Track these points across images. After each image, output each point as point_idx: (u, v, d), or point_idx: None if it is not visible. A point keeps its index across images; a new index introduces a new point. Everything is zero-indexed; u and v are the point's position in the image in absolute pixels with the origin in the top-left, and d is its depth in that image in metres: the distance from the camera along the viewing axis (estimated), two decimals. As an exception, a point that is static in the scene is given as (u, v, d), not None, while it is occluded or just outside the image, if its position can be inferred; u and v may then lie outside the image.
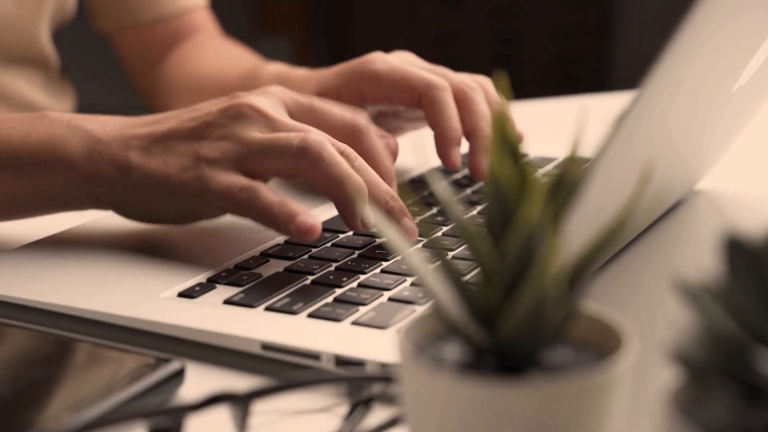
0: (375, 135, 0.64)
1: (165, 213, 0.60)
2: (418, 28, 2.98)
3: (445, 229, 0.66)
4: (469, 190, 0.73)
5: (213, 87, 0.91)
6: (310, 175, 0.58)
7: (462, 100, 0.70)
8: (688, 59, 0.47)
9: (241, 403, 0.40)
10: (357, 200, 0.58)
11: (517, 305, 0.33)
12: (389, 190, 0.60)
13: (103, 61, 2.27)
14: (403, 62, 0.72)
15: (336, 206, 0.59)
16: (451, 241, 0.63)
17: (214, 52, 0.97)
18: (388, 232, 0.36)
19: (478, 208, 0.69)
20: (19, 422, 0.42)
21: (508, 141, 0.34)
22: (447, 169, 0.71)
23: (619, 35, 3.11)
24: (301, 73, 0.78)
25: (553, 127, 0.96)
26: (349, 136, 0.64)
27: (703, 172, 0.71)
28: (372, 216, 0.58)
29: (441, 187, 0.36)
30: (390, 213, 0.59)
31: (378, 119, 0.76)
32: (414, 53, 3.15)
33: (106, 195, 0.60)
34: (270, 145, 0.58)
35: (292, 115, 0.63)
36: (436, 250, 0.35)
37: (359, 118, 0.64)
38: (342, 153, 0.60)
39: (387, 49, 3.08)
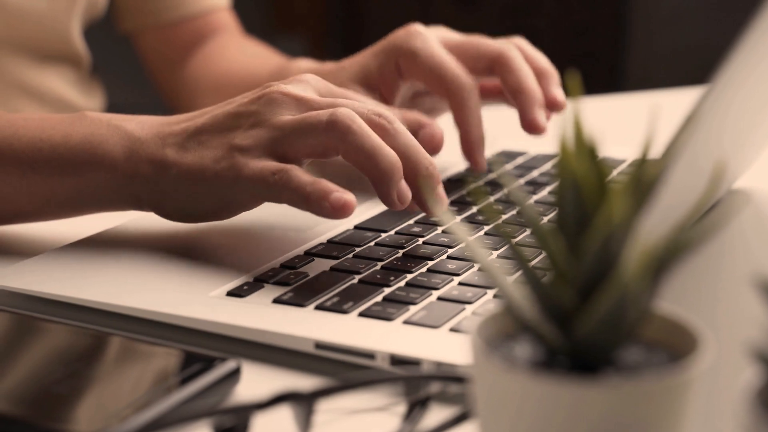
0: (403, 129, 0.61)
1: (203, 208, 0.59)
2: (432, 26, 2.98)
3: (505, 217, 0.66)
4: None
5: (241, 85, 0.91)
6: (341, 149, 0.57)
7: (502, 62, 0.71)
8: (754, 57, 0.47)
9: (306, 402, 0.40)
10: (390, 175, 0.57)
11: (596, 306, 0.33)
12: (428, 157, 0.59)
13: (127, 60, 2.27)
14: (439, 38, 0.72)
15: (370, 181, 0.58)
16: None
17: (239, 51, 0.97)
18: (463, 235, 0.36)
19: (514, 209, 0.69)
20: (82, 421, 0.42)
21: (583, 139, 0.34)
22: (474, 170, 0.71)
23: (633, 34, 3.11)
24: (331, 65, 0.77)
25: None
26: (375, 128, 0.61)
27: (743, 171, 0.70)
28: (408, 191, 0.59)
29: (510, 181, 0.36)
30: (430, 180, 0.58)
31: (414, 99, 0.76)
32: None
33: (146, 194, 0.60)
34: (300, 124, 0.58)
35: (320, 95, 0.62)
36: (514, 251, 0.35)
37: (384, 112, 0.61)
38: (379, 116, 0.59)
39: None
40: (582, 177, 0.33)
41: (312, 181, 0.56)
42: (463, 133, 0.70)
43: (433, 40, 0.71)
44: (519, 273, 0.35)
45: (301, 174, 0.57)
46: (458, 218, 0.67)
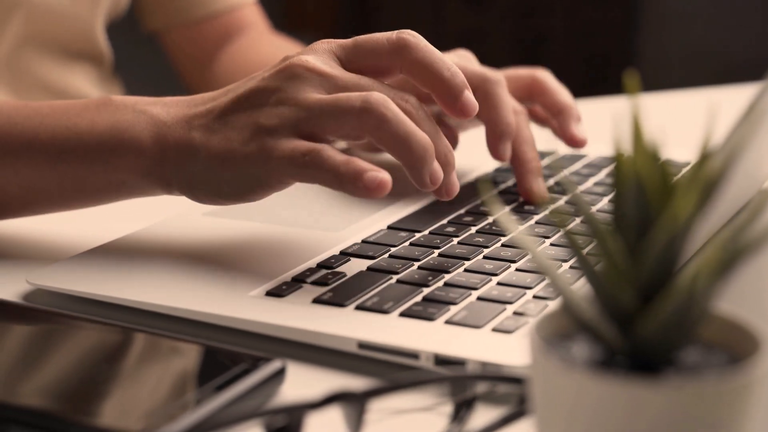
0: (427, 44, 0.61)
1: (233, 190, 0.59)
2: (443, 27, 2.98)
3: (537, 217, 0.66)
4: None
5: None
6: (375, 135, 0.56)
7: (538, 86, 0.74)
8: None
9: (358, 401, 0.40)
10: (423, 158, 0.56)
11: (660, 306, 0.33)
12: (447, 144, 0.59)
13: (146, 58, 2.27)
14: (461, 59, 0.72)
15: (403, 165, 0.57)
16: (546, 230, 0.64)
17: (270, 49, 0.96)
18: (514, 228, 0.36)
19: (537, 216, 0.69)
20: (132, 420, 0.42)
21: (644, 139, 0.34)
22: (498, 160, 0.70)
23: (645, 34, 3.10)
24: None
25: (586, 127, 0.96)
26: (400, 53, 0.60)
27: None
28: (440, 172, 0.58)
29: (568, 181, 0.36)
30: (446, 167, 0.58)
31: (438, 117, 0.76)
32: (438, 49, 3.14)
33: (175, 178, 0.60)
34: (331, 107, 0.57)
35: (343, 62, 0.61)
36: (575, 251, 0.34)
37: (405, 31, 0.61)
38: (406, 101, 0.58)
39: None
40: (645, 176, 0.33)
41: (345, 160, 0.55)
42: (488, 125, 0.68)
43: (453, 58, 0.71)
44: (580, 273, 0.35)
45: (333, 153, 0.56)
46: (508, 214, 0.66)
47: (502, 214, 0.37)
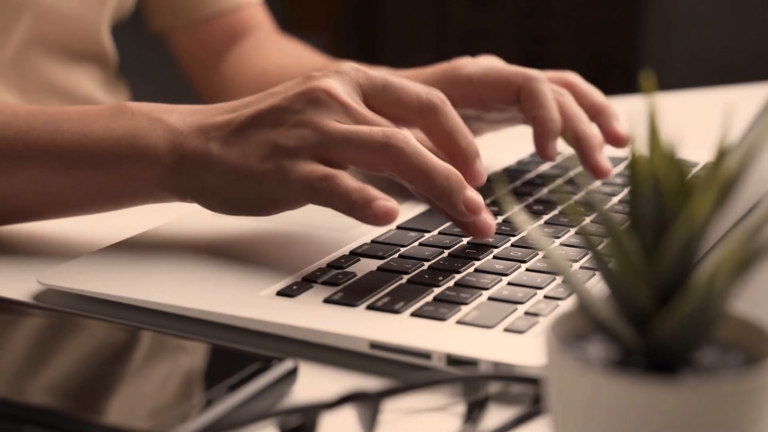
0: (452, 111, 0.62)
1: (247, 204, 0.59)
2: (447, 27, 2.98)
3: (546, 218, 0.66)
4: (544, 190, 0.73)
5: None
6: (395, 169, 0.57)
7: (565, 88, 0.73)
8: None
9: (373, 401, 0.40)
10: (449, 188, 0.57)
11: (677, 306, 0.33)
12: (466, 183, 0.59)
13: (151, 60, 2.28)
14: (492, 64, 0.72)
15: (431, 199, 0.58)
16: (555, 230, 0.63)
17: (278, 51, 0.96)
18: (528, 228, 0.36)
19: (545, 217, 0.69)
20: (144, 420, 0.42)
21: (661, 139, 0.34)
22: (544, 160, 0.70)
23: (648, 36, 3.10)
24: (382, 71, 0.77)
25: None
26: (426, 114, 0.61)
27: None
28: (478, 198, 0.58)
29: (584, 181, 0.36)
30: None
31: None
32: (443, 52, 3.15)
33: (190, 188, 0.60)
34: (352, 137, 0.57)
35: (366, 96, 0.61)
36: (591, 250, 0.34)
37: (435, 93, 0.62)
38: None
39: (415, 47, 3.08)
40: (663, 176, 0.33)
41: (358, 188, 0.56)
42: (536, 124, 0.69)
43: (485, 63, 0.72)
44: (595, 272, 0.35)
45: (348, 180, 0.56)
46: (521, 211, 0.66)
47: (515, 212, 0.37)
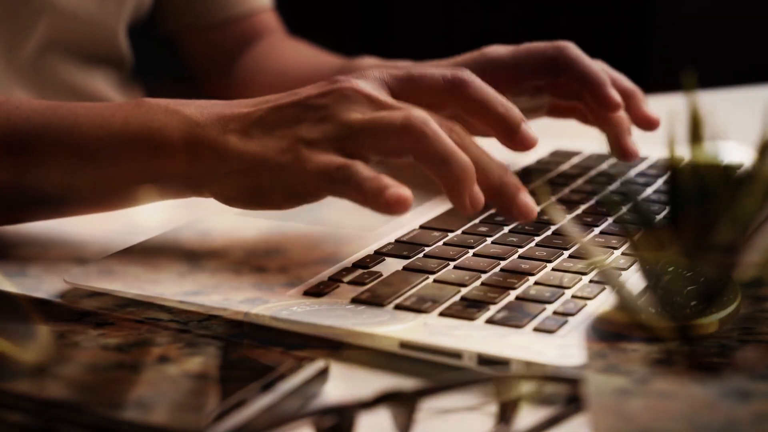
0: (481, 82, 0.61)
1: (264, 198, 0.59)
2: (454, 27, 2.98)
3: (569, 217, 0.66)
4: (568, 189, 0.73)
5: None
6: (414, 153, 0.56)
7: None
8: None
9: (409, 401, 0.40)
10: (463, 180, 0.56)
11: (722, 308, 0.33)
12: (502, 165, 0.58)
13: (168, 64, 2.27)
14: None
15: (443, 186, 0.57)
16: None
17: (294, 52, 0.96)
18: (572, 232, 0.36)
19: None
20: (181, 419, 0.42)
21: (705, 136, 0.34)
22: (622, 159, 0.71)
23: (654, 37, 3.10)
24: (404, 65, 0.76)
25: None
26: (455, 91, 0.61)
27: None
28: (481, 196, 0.58)
29: (628, 181, 0.36)
30: (504, 189, 0.57)
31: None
32: (449, 52, 3.14)
33: (207, 181, 0.59)
34: (372, 125, 0.57)
35: (393, 91, 0.61)
36: (635, 251, 0.34)
37: (459, 71, 0.61)
38: (451, 131, 0.58)
39: (423, 47, 3.07)
40: (707, 174, 0.33)
41: (372, 176, 0.55)
42: (611, 120, 0.70)
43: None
44: (639, 272, 0.35)
45: (363, 169, 0.56)
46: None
47: (549, 204, 0.37)
